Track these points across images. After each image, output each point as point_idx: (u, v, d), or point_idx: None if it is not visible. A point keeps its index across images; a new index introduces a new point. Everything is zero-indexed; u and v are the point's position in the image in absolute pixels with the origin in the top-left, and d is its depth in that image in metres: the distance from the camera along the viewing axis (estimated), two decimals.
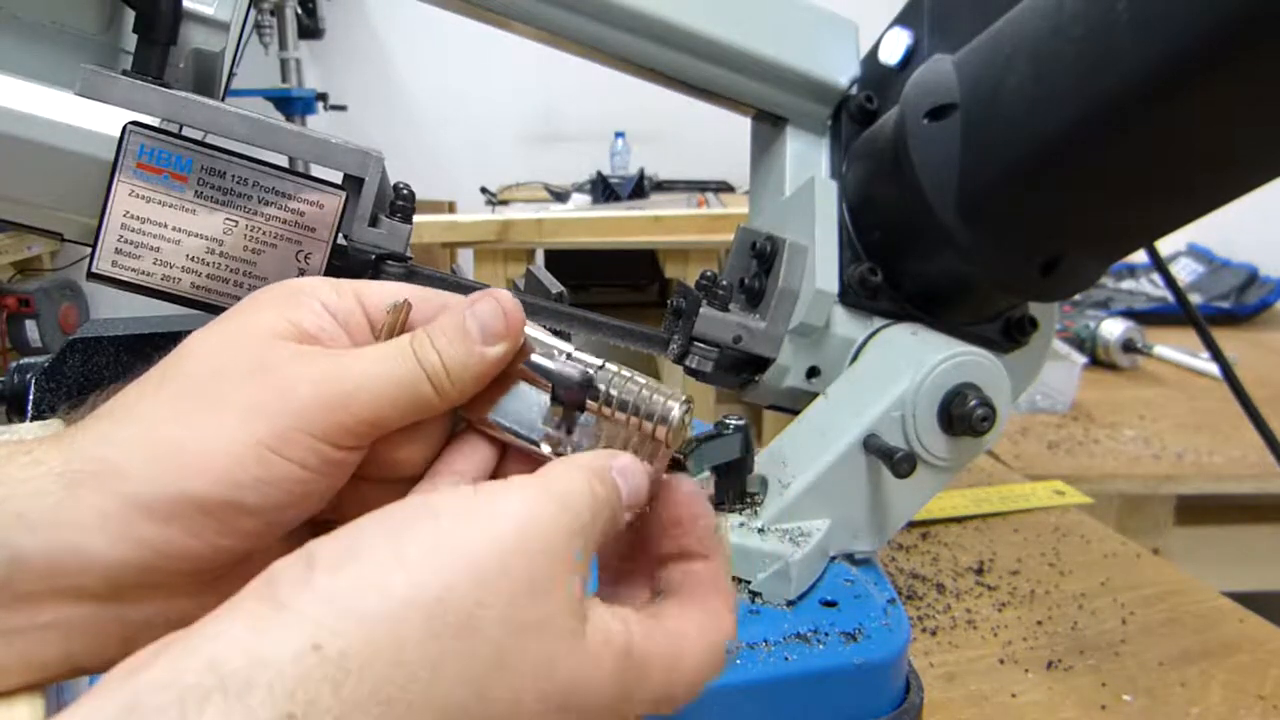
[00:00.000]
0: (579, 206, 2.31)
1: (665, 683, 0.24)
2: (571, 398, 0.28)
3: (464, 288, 0.44)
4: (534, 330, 0.29)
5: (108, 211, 0.38)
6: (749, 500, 0.49)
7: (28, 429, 0.40)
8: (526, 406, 0.28)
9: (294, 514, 0.25)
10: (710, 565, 0.28)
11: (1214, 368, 1.03)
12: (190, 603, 0.24)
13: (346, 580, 0.20)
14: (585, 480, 0.24)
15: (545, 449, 0.28)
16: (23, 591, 0.23)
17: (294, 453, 0.24)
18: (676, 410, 0.27)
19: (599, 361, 0.28)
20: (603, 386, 0.28)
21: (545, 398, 0.28)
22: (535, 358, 0.28)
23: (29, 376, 0.52)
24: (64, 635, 0.24)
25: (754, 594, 0.45)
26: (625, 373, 0.28)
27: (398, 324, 0.28)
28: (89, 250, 0.38)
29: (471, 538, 0.21)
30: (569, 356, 0.28)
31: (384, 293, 0.28)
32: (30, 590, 0.23)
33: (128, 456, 0.24)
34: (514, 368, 0.28)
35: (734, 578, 0.46)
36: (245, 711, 0.17)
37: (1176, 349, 1.39)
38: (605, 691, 0.23)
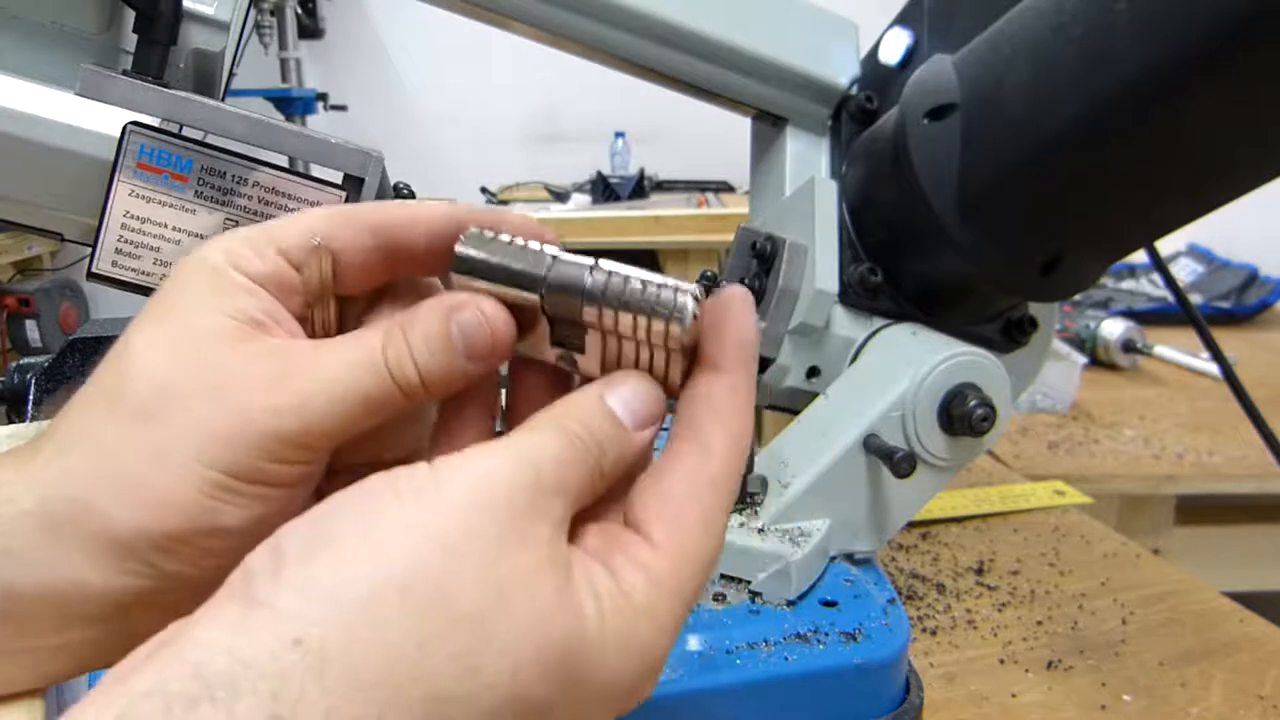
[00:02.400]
0: (579, 206, 2.31)
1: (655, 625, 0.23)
2: (561, 312, 0.24)
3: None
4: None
5: (108, 211, 0.38)
6: (749, 500, 0.49)
7: (27, 429, 0.41)
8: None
9: (280, 519, 0.25)
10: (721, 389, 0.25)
11: (1214, 368, 1.03)
12: (198, 605, 0.24)
13: (318, 569, 0.20)
14: (554, 431, 0.23)
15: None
16: (25, 621, 0.23)
17: (261, 475, 0.24)
18: (690, 306, 0.23)
19: (589, 261, 0.24)
20: (595, 291, 0.24)
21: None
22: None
23: (29, 376, 0.52)
24: (74, 654, 0.24)
25: (754, 594, 0.45)
26: (621, 271, 0.24)
27: (322, 273, 0.26)
28: (89, 250, 0.38)
29: (433, 508, 0.21)
30: (554, 259, 0.24)
31: (298, 232, 0.26)
32: (33, 617, 0.23)
33: (97, 496, 0.23)
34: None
35: (734, 578, 0.46)
36: (231, 717, 0.17)
37: (1176, 349, 1.39)
38: (606, 646, 0.22)
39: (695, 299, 0.24)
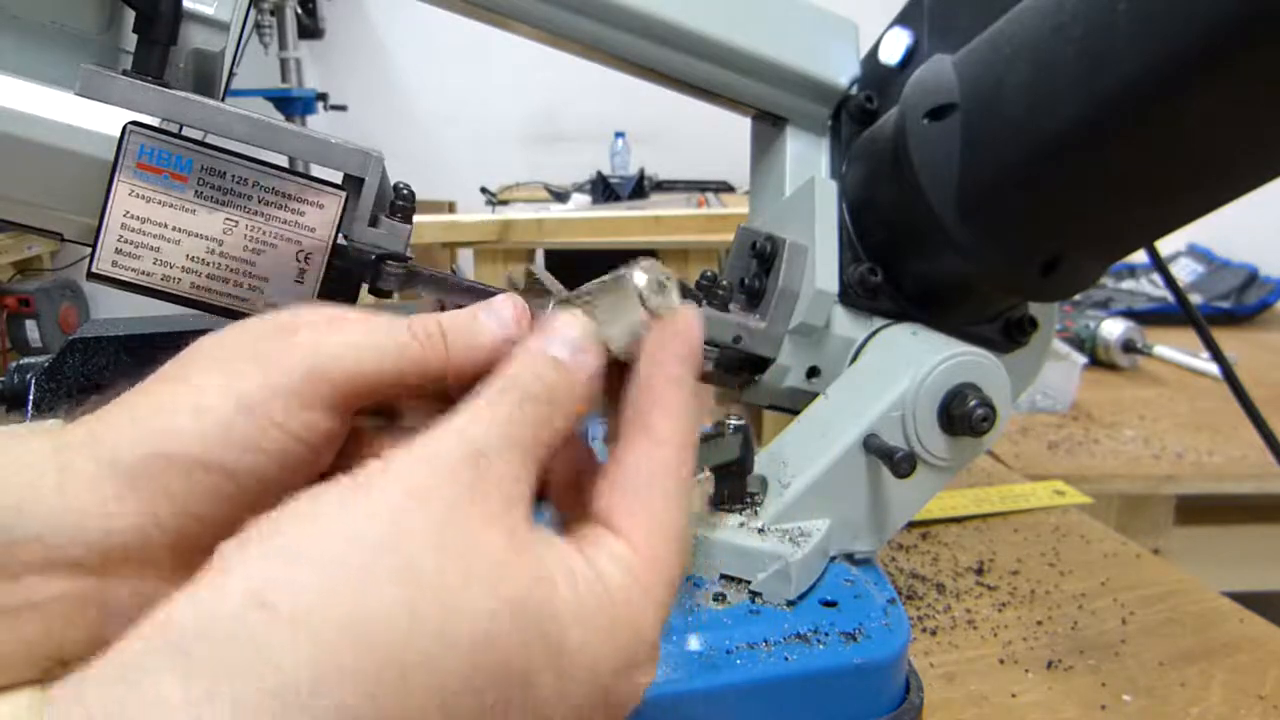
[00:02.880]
0: (579, 206, 2.31)
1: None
2: None
3: (464, 288, 0.44)
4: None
5: (108, 211, 0.38)
6: (749, 500, 0.49)
7: (27, 429, 0.40)
8: None
9: (278, 485, 0.25)
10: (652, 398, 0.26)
11: (1214, 368, 1.03)
12: (172, 587, 0.24)
13: (279, 541, 0.21)
14: (497, 395, 0.24)
15: None
16: (18, 564, 0.23)
17: (275, 416, 0.24)
18: (639, 278, 0.26)
19: (560, 294, 0.27)
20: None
21: None
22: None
23: (29, 376, 0.52)
24: (50, 617, 0.24)
25: (754, 594, 0.45)
26: (578, 292, 0.27)
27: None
28: (89, 250, 0.38)
29: (380, 486, 0.22)
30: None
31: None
32: (26, 562, 0.24)
33: (111, 424, 0.24)
34: None
35: (734, 578, 0.46)
36: (197, 669, 0.18)
37: (1176, 349, 1.39)
38: (583, 616, 0.22)
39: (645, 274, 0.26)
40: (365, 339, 0.26)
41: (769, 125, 0.59)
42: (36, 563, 0.23)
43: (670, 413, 0.26)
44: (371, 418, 0.29)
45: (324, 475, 0.26)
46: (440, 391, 0.28)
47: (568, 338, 0.26)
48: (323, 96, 2.70)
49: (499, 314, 0.27)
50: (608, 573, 0.24)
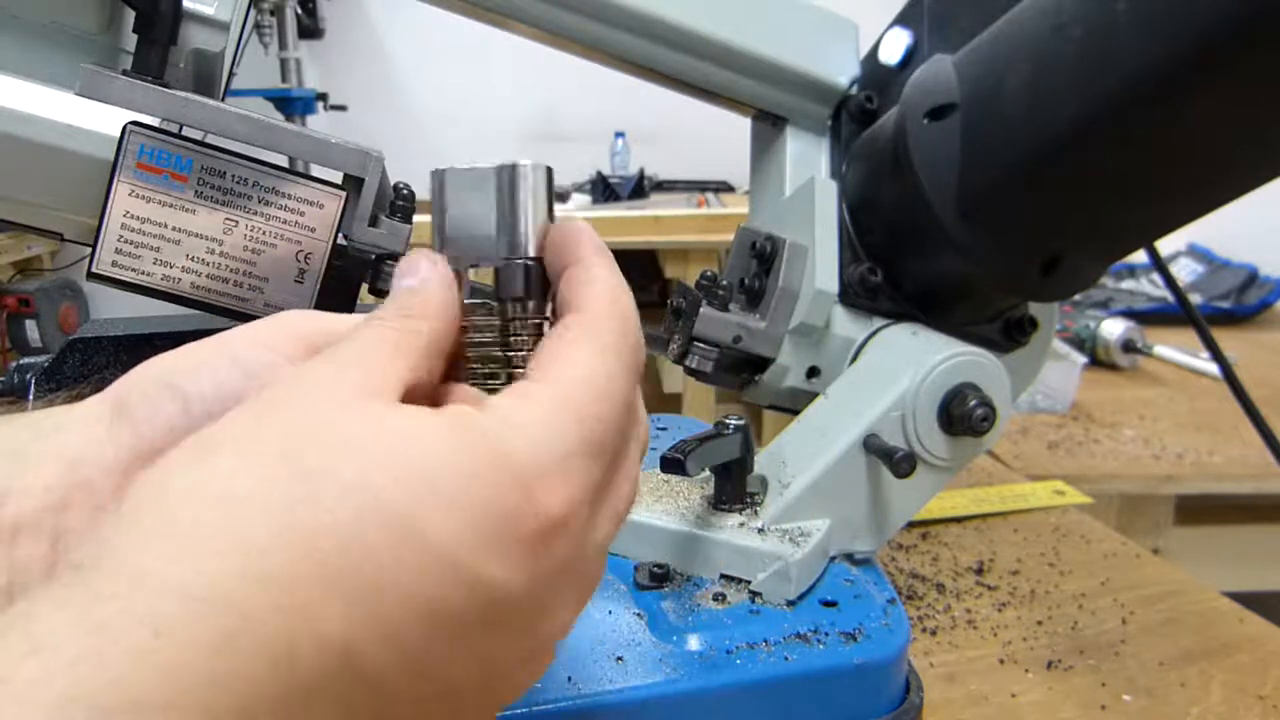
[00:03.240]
0: (579, 206, 2.32)
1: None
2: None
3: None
4: None
5: (108, 211, 0.38)
6: (749, 500, 0.49)
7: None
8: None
9: None
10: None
11: (1214, 368, 1.03)
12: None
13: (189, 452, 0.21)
14: (364, 328, 0.25)
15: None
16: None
17: (238, 351, 0.26)
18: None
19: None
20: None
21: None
22: None
23: (29, 376, 0.52)
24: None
25: (754, 594, 0.45)
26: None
27: None
28: (89, 250, 0.38)
29: (270, 399, 0.22)
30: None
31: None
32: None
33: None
34: None
35: (734, 578, 0.46)
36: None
37: (1177, 349, 1.39)
38: (456, 449, 0.21)
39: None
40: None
41: (769, 125, 0.59)
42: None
43: (596, 287, 0.26)
44: None
45: None
46: None
47: (416, 270, 0.27)
48: (323, 96, 2.69)
49: (413, 271, 0.28)
50: (498, 404, 0.23)
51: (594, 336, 0.25)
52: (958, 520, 0.72)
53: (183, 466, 0.20)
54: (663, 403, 1.95)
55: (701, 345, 0.50)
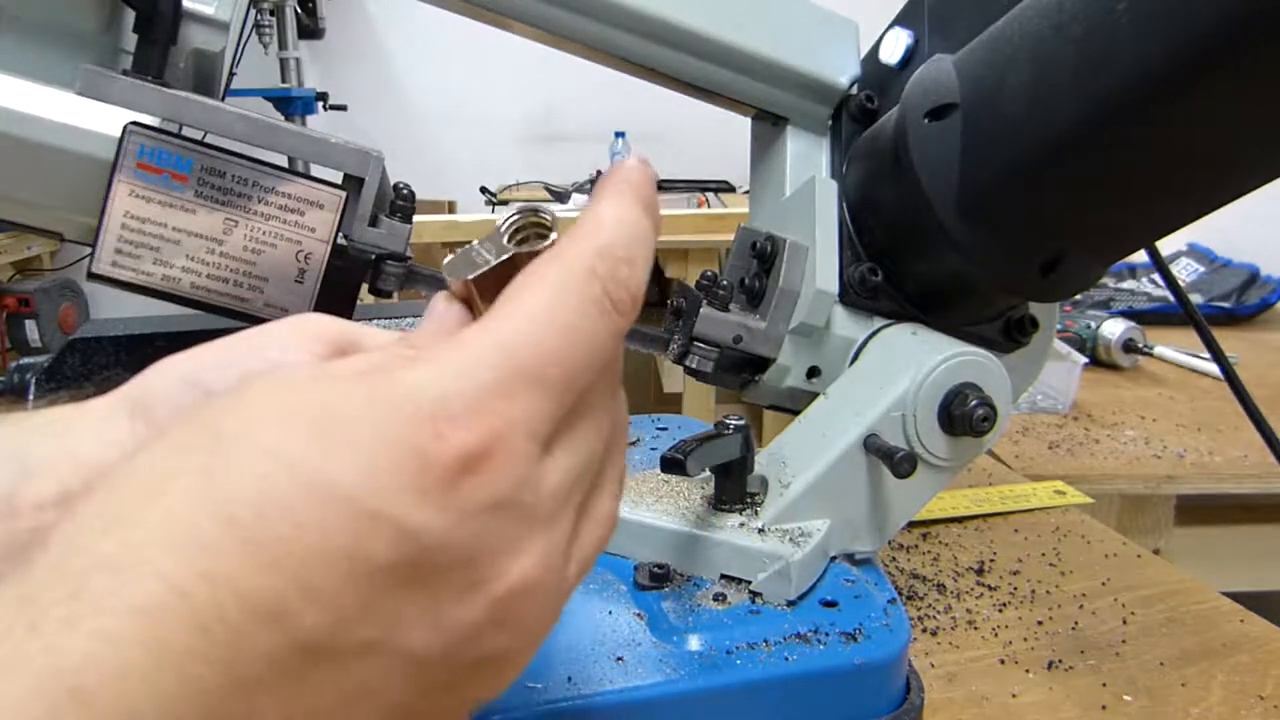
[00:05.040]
0: (579, 206, 2.31)
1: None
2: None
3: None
4: None
5: (108, 211, 0.38)
6: (749, 500, 0.49)
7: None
8: None
9: None
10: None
11: (1214, 368, 1.03)
12: None
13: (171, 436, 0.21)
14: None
15: None
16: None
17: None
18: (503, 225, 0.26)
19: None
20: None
21: None
22: None
23: (29, 376, 0.52)
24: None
25: (754, 594, 0.45)
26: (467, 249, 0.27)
27: None
28: (89, 250, 0.38)
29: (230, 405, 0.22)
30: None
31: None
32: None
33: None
34: None
35: (734, 578, 0.46)
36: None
37: (1177, 349, 1.39)
38: (354, 389, 0.21)
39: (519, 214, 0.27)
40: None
41: (769, 125, 0.59)
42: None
43: (576, 226, 0.25)
44: None
45: None
46: None
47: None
48: (322, 96, 2.69)
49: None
50: (398, 366, 0.22)
51: (555, 275, 0.23)
52: (958, 520, 0.72)
53: (134, 454, 0.20)
54: (663, 403, 1.96)
55: (701, 345, 0.50)
